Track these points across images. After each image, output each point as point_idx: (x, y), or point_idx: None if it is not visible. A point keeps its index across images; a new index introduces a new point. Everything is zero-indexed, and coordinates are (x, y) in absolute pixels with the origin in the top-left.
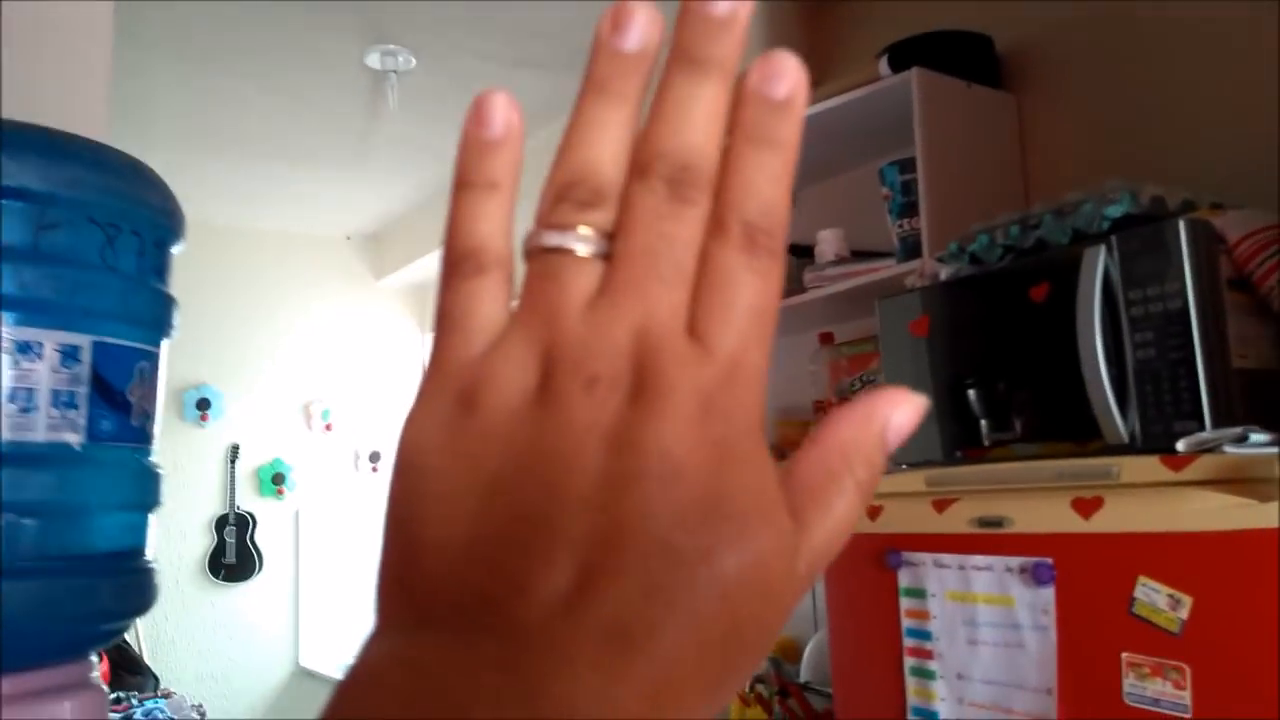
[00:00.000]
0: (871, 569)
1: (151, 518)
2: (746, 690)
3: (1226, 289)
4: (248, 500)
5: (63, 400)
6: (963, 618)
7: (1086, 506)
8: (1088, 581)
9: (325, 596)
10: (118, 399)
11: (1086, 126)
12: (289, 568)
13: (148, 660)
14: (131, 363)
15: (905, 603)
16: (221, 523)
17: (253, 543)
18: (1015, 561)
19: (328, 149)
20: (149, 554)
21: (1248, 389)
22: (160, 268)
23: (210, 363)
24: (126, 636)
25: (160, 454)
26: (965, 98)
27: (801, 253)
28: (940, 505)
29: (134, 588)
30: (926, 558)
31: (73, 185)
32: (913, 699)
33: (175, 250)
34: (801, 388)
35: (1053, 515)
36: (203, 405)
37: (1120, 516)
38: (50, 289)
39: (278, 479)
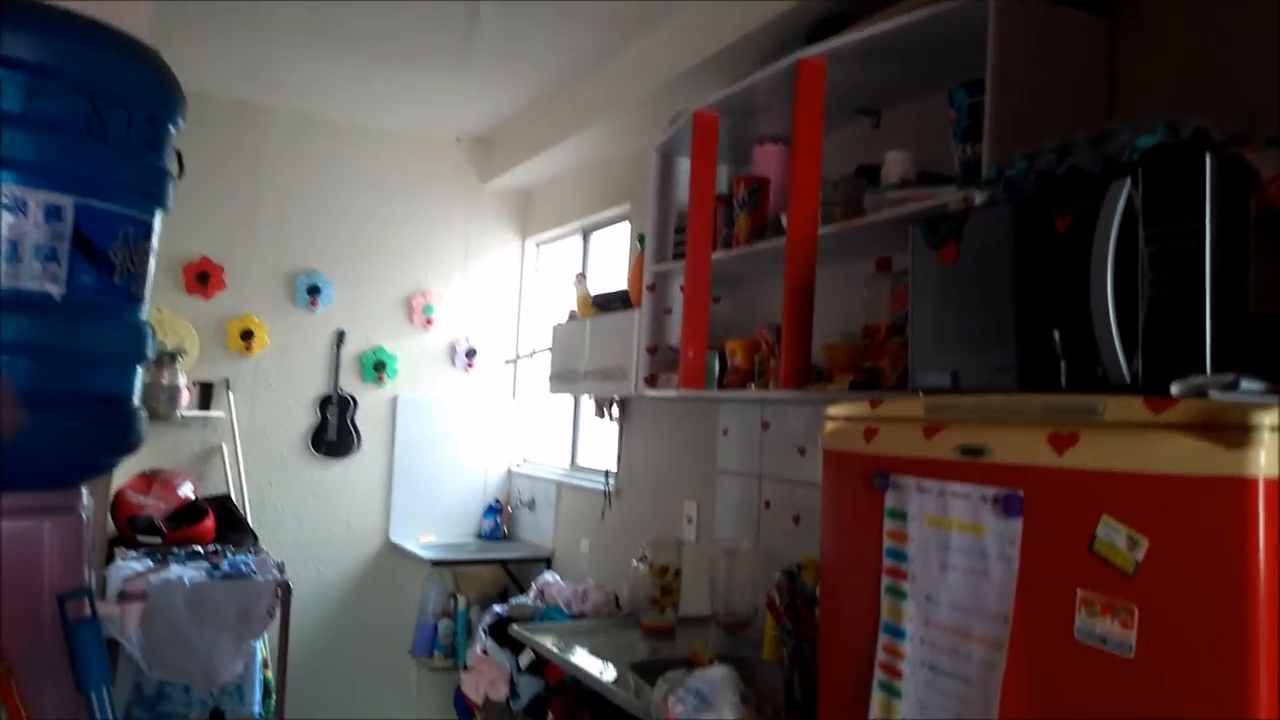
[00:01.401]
0: (863, 489)
1: (140, 368)
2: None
3: (1253, 229)
4: (350, 384)
5: (45, 254)
6: (937, 542)
7: (1062, 442)
8: (1054, 516)
9: (416, 480)
10: (100, 257)
11: (1184, 57)
12: (384, 450)
13: (251, 522)
14: (116, 226)
15: (888, 524)
16: (325, 402)
17: (353, 423)
18: (990, 491)
19: (439, 51)
20: (135, 401)
21: (1265, 336)
22: (153, 141)
23: (322, 252)
24: (233, 499)
25: (272, 334)
26: (1049, 19)
27: (870, 175)
28: (930, 431)
29: (117, 430)
30: (911, 482)
31: (62, 57)
32: (885, 616)
33: (173, 128)
34: (854, 312)
35: (1029, 448)
36: (313, 291)
37: (1092, 454)
38: (36, 153)
39: (379, 366)
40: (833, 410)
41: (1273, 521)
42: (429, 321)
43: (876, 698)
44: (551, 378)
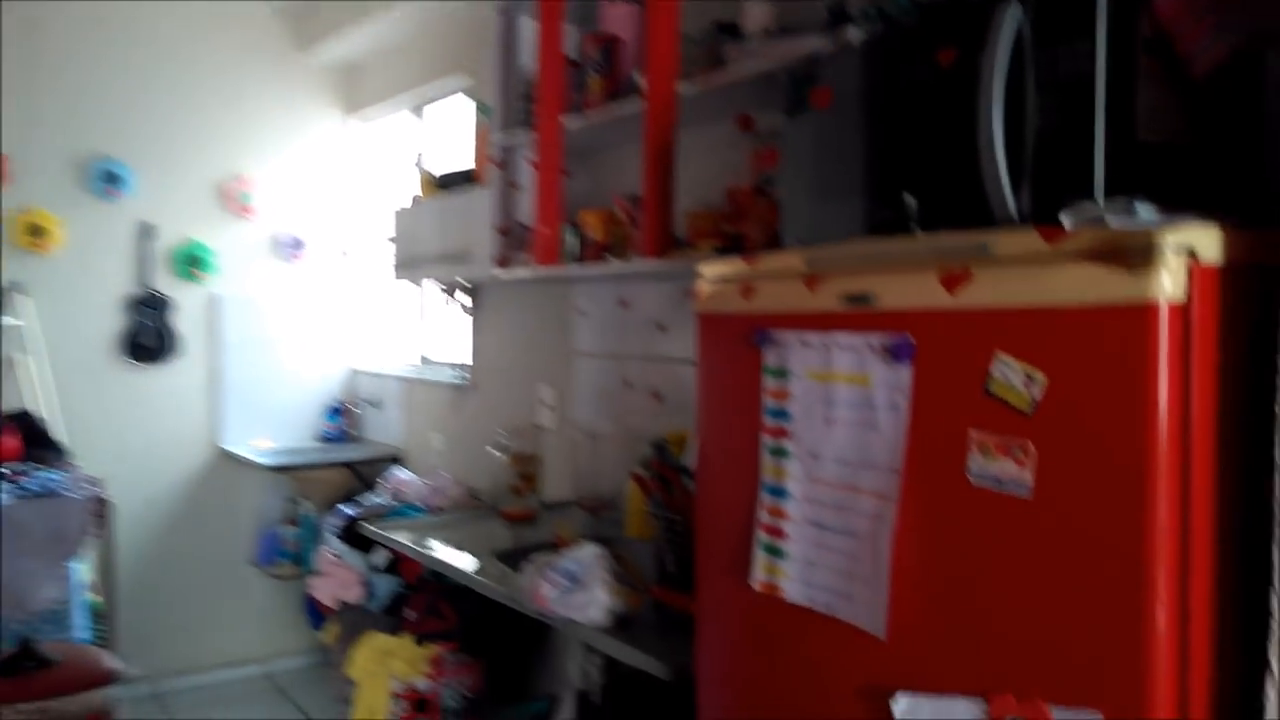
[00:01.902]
0: (741, 350)
1: None
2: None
3: (1142, 52)
4: (164, 283)
5: None
6: (821, 397)
7: (953, 280)
8: (946, 359)
9: (246, 384)
10: None
11: None
12: (208, 353)
13: (61, 438)
14: None
15: (768, 383)
16: (136, 303)
17: (169, 325)
18: (876, 339)
19: None
20: None
21: (1153, 164)
22: None
23: (119, 136)
24: (36, 413)
25: (70, 230)
26: None
27: (730, 31)
28: (812, 282)
29: None
30: (793, 337)
31: None
32: (767, 477)
33: None
34: (716, 176)
35: (919, 290)
36: (111, 179)
37: (986, 291)
38: None
39: (194, 262)
40: (707, 270)
41: (1176, 347)
42: (247, 210)
43: (760, 560)
44: (396, 265)
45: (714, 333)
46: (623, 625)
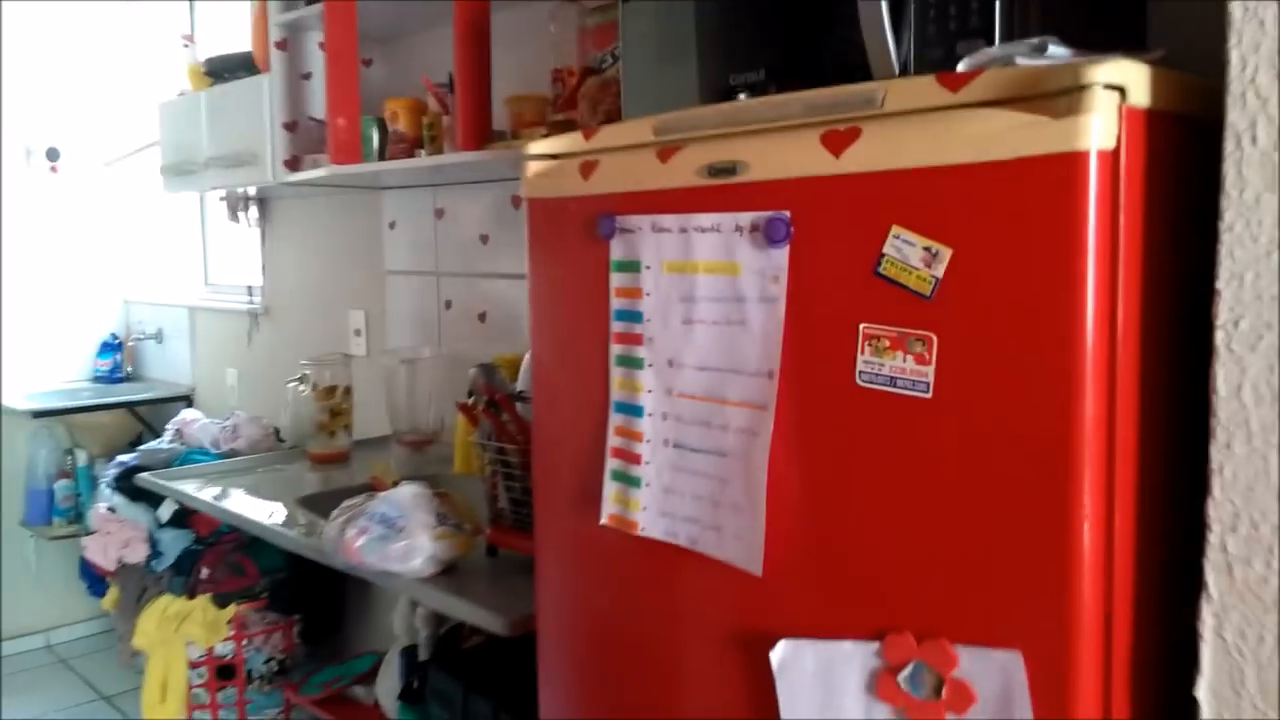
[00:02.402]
0: (581, 242)
1: None
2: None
3: None
4: None
5: None
6: (679, 293)
7: (839, 141)
8: (829, 238)
9: None
10: None
11: None
12: None
13: None
14: None
15: (616, 280)
16: None
17: None
18: (746, 218)
19: None
20: None
21: (1049, 5)
22: None
23: None
24: None
25: None
26: None
27: None
28: (666, 154)
29: None
30: (644, 221)
31: None
32: (617, 393)
33: None
34: (538, 54)
35: (797, 156)
36: None
37: (878, 151)
38: None
39: None
40: (535, 148)
41: (1105, 206)
42: None
43: (610, 490)
44: (164, 172)
45: (547, 223)
46: (451, 574)
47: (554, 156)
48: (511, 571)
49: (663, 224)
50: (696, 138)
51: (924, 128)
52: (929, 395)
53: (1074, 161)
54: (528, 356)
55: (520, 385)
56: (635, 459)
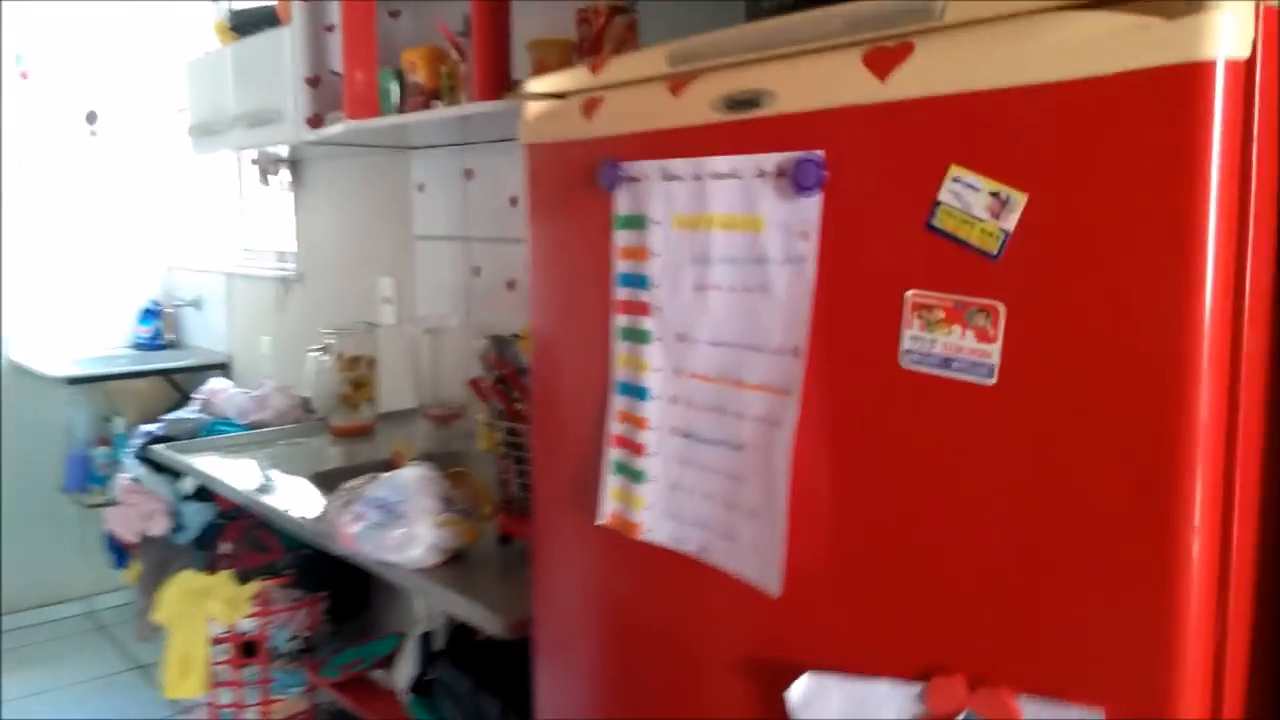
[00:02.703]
0: (582, 192)
1: None
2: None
3: None
4: None
5: None
6: (692, 253)
7: (885, 60)
8: (871, 183)
9: (36, 284)
10: None
11: None
12: None
13: None
14: None
15: (620, 238)
16: None
17: None
18: (770, 160)
19: None
20: None
21: None
22: None
23: None
24: None
25: None
26: None
27: None
28: (678, 86)
29: None
30: (652, 168)
31: None
32: (620, 371)
33: None
34: (561, 14)
35: (833, 82)
36: None
37: (934, 71)
38: None
39: None
40: (535, 85)
41: (1234, 133)
42: (25, 75)
43: (610, 484)
44: (191, 132)
45: (546, 172)
46: (458, 565)
47: (557, 96)
48: (524, 563)
49: (673, 170)
50: (716, 66)
51: (994, 39)
52: (992, 381)
53: (1195, 76)
54: None
55: None
56: (639, 449)
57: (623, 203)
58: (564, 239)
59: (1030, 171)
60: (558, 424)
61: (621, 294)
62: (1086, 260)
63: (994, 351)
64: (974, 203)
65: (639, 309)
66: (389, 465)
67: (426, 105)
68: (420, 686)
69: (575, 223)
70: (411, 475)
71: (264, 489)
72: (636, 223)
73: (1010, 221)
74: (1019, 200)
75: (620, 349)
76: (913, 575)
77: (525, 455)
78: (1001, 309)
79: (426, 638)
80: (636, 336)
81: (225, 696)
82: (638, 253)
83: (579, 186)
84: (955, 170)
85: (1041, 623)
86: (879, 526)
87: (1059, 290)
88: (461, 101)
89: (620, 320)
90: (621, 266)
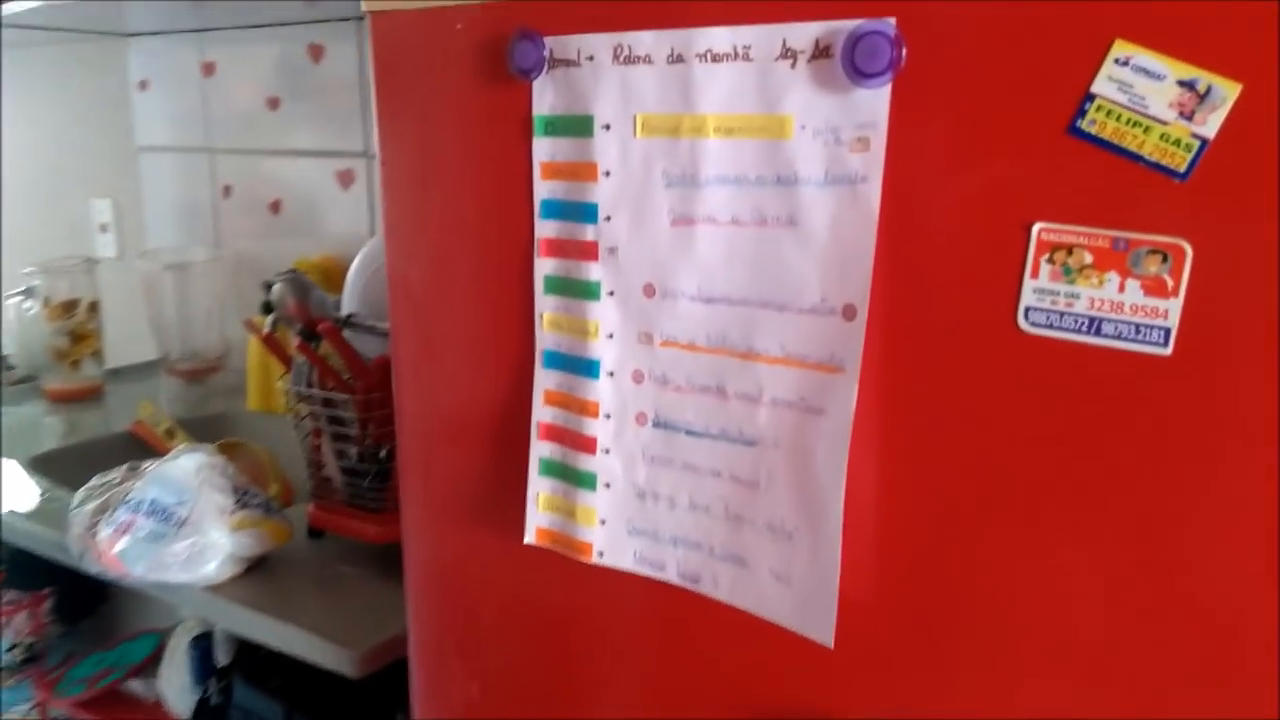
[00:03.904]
0: (474, 83)
1: None
2: (264, 328)
3: None
4: None
5: None
6: (669, 171)
7: None
8: (974, 65)
9: None
10: None
11: None
12: None
13: None
14: None
15: (543, 148)
16: None
17: None
18: (804, 32)
19: None
20: None
21: None
22: None
23: None
24: None
25: None
26: None
27: None
28: None
29: None
30: (601, 45)
31: None
32: (545, 338)
33: None
34: None
35: None
36: None
37: None
38: None
39: None
40: None
41: None
42: None
43: (539, 491)
44: None
45: (406, 53)
46: (259, 574)
47: None
48: (343, 561)
49: (636, 48)
50: None
51: None
52: (1167, 351)
53: None
54: (356, 262)
55: (347, 305)
56: (585, 444)
57: (547, 96)
58: (441, 145)
59: (1243, 49)
60: (436, 404)
61: (547, 229)
62: None
63: (1173, 310)
64: (1151, 96)
65: (579, 250)
66: (134, 439)
67: None
68: (206, 713)
69: (461, 124)
70: (190, 464)
71: None
72: (573, 126)
73: (1211, 124)
74: (1227, 92)
75: (547, 305)
76: (1035, 623)
77: (347, 430)
78: (1188, 249)
79: (202, 643)
80: (575, 290)
81: None
82: (577, 170)
83: (468, 71)
84: (1121, 47)
85: (1229, 694)
86: (983, 553)
87: (1276, 225)
88: None
89: (545, 266)
90: (546, 190)
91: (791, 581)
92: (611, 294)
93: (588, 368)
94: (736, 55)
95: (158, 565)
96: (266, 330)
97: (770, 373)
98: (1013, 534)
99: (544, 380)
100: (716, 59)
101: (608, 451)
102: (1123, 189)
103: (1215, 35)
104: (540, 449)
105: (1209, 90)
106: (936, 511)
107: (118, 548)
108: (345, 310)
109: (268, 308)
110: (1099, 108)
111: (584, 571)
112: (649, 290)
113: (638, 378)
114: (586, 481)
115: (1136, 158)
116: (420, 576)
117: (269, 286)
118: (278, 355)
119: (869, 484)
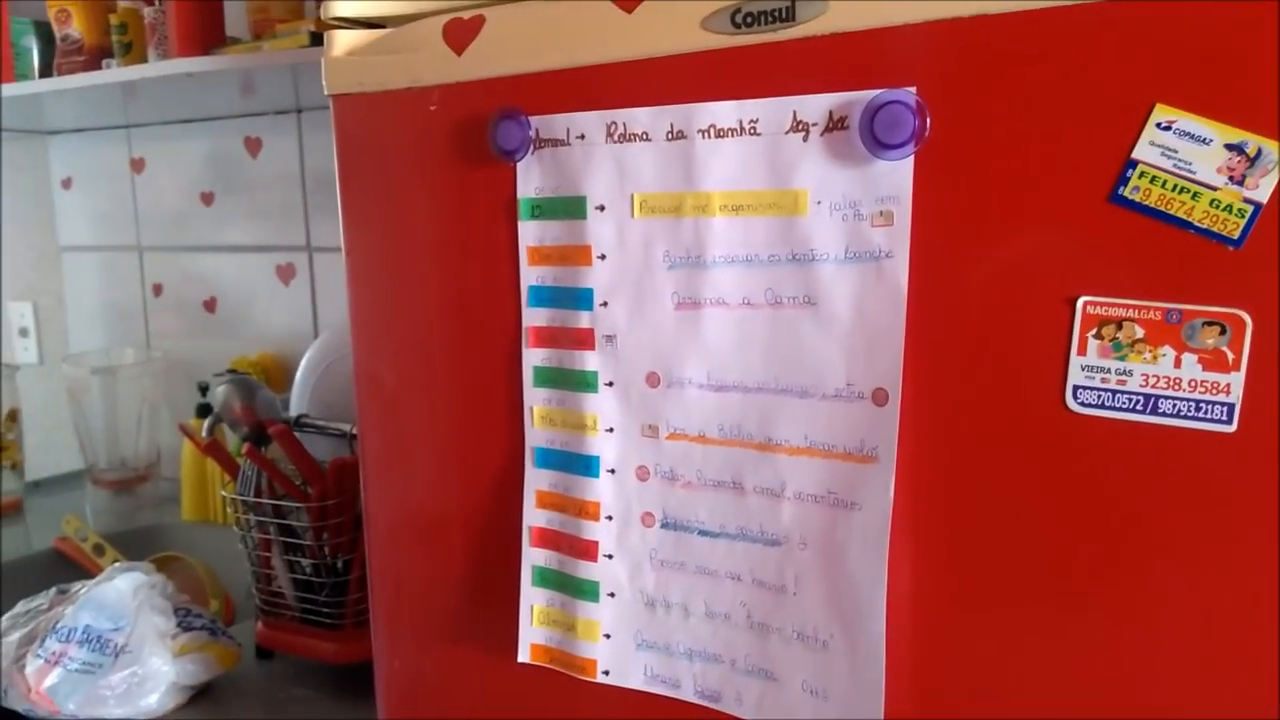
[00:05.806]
0: (452, 166)
1: None
2: (201, 433)
3: None
4: None
5: None
6: (671, 253)
7: None
8: (1006, 133)
9: None
10: None
11: None
12: None
13: None
14: None
15: (531, 232)
16: None
17: None
18: (816, 105)
19: None
20: None
21: None
22: None
23: None
24: None
25: None
26: None
27: None
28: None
29: None
30: (593, 124)
31: None
32: (537, 433)
33: None
34: None
35: None
36: None
37: None
38: None
39: None
40: (340, 8)
41: None
42: None
43: (536, 600)
44: None
45: (375, 135)
46: (205, 702)
47: (373, 25)
48: (296, 684)
49: (630, 125)
50: None
51: None
52: (1231, 428)
53: None
54: (306, 360)
55: (296, 405)
56: (584, 549)
57: (534, 178)
58: (413, 235)
59: None
60: (408, 507)
61: (536, 317)
62: None
63: (1235, 384)
64: (1198, 161)
65: (573, 339)
66: (58, 556)
67: (92, 65)
68: None
69: (435, 211)
70: (126, 585)
71: None
72: (564, 208)
73: (1264, 188)
74: (1276, 153)
75: (536, 399)
76: None
77: (302, 541)
78: (1248, 320)
79: None
80: (569, 381)
81: None
82: (568, 254)
83: (443, 156)
84: (1163, 111)
85: None
86: (1029, 658)
87: None
88: (149, 58)
89: (535, 356)
90: (535, 275)
91: (829, 696)
92: (610, 384)
93: (586, 465)
94: (743, 130)
95: (93, 700)
96: (205, 435)
97: (793, 464)
98: (1069, 633)
99: (536, 480)
100: (721, 134)
101: (610, 556)
102: (1172, 258)
103: (1259, 97)
104: (533, 556)
105: (1259, 153)
106: (982, 612)
107: (47, 682)
108: (294, 411)
109: (204, 410)
110: (1142, 174)
111: (588, 692)
112: (653, 379)
113: (643, 474)
114: (588, 591)
115: (1185, 225)
116: (394, 700)
117: (204, 389)
118: (220, 461)
119: (906, 583)
